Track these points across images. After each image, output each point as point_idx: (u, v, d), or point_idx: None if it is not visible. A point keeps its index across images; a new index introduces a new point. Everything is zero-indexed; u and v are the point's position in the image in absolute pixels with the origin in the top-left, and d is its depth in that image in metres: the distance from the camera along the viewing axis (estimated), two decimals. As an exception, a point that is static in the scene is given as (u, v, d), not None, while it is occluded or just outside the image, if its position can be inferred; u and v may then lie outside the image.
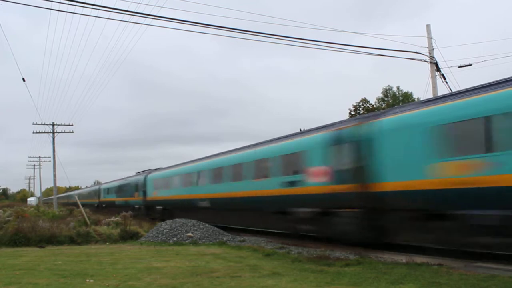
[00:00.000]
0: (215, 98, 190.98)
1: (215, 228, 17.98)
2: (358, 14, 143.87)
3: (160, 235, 16.95)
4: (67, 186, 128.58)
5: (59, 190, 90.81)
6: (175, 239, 16.51)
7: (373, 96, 71.34)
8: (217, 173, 21.83)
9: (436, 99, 11.47)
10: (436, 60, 19.87)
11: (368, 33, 23.38)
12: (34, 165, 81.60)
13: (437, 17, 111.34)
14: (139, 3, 34.76)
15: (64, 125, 43.95)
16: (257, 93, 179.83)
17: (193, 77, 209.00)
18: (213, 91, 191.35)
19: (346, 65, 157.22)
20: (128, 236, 17.76)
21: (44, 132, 44.02)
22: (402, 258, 10.89)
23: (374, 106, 52.46)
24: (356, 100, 56.38)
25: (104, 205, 49.39)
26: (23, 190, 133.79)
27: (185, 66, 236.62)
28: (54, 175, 44.62)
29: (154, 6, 40.32)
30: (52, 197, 55.99)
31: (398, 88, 55.39)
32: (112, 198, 45.68)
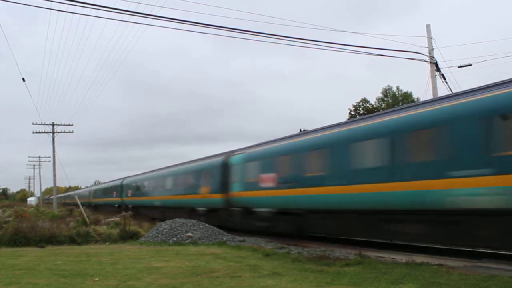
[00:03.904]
0: (215, 98, 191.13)
1: (215, 228, 18.03)
2: (358, 13, 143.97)
3: (160, 235, 16.93)
4: (67, 186, 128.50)
5: (59, 190, 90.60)
6: (175, 239, 16.50)
7: (373, 96, 71.33)
8: (159, 183, 31.90)
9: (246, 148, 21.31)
10: (436, 60, 19.88)
11: (367, 33, 23.39)
12: (34, 165, 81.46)
13: (437, 17, 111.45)
14: (139, 3, 34.77)
15: (64, 125, 43.92)
16: (257, 93, 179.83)
17: (193, 77, 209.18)
18: (213, 91, 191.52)
19: (346, 65, 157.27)
20: (128, 236, 17.74)
21: (44, 132, 43.95)
22: (402, 258, 10.90)
23: (374, 106, 52.48)
24: (356, 100, 56.47)
25: (93, 204, 55.61)
26: (23, 190, 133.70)
27: (185, 66, 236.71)
28: (54, 175, 44.61)
29: (154, 6, 40.33)
30: (52, 196, 56.19)
31: (397, 88, 55.48)
32: (99, 198, 54.52)
